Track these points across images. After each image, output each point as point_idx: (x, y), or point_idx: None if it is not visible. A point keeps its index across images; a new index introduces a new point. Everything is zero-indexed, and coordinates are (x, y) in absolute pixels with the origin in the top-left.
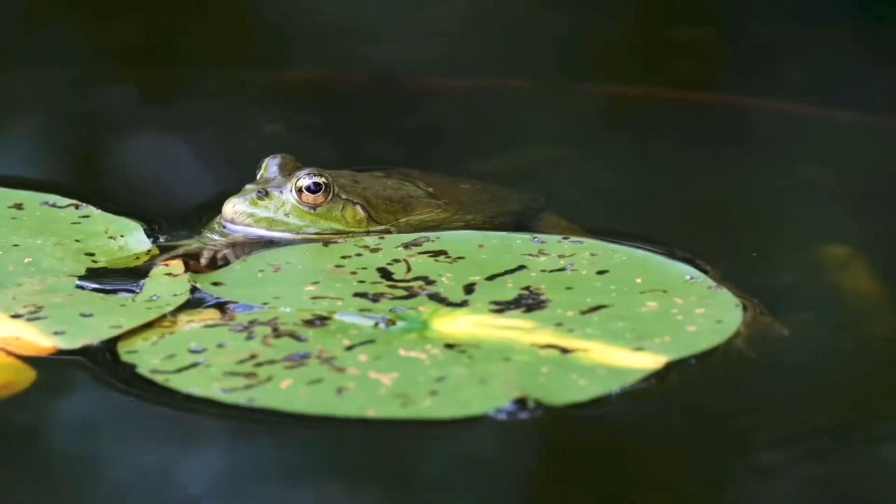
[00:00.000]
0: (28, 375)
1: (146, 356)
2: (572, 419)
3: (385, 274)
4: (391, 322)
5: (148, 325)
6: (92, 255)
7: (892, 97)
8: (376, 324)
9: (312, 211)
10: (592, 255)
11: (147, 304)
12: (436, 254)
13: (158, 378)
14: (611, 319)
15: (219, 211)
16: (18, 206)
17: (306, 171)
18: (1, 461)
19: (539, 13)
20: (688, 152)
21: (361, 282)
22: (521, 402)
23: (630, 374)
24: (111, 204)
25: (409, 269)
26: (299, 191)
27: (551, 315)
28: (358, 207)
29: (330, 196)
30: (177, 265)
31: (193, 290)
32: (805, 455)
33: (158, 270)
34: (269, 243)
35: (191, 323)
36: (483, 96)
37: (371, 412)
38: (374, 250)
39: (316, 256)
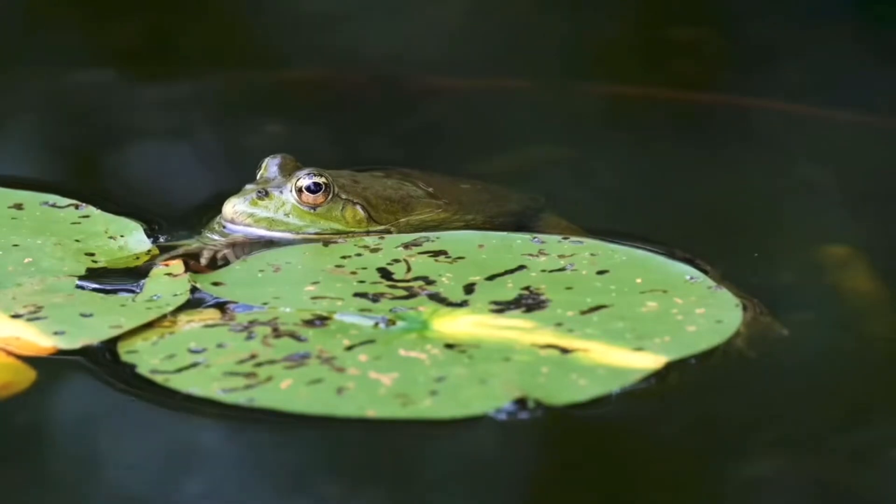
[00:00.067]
0: (28, 375)
1: (146, 356)
2: (572, 419)
3: (385, 274)
4: (391, 322)
5: (148, 325)
6: (92, 255)
7: (892, 97)
8: (376, 324)
9: (312, 211)
10: (592, 255)
11: (147, 304)
12: (436, 254)
13: (158, 378)
14: (611, 319)
15: (219, 211)
16: (18, 206)
17: (306, 171)
18: (1, 461)
19: (539, 13)
20: (688, 152)
21: (361, 282)
22: (521, 402)
23: (630, 374)
24: (111, 204)
25: (409, 269)
26: (299, 191)
27: (551, 315)
28: (358, 207)
29: (330, 196)
30: (177, 265)
31: (193, 290)
32: (805, 455)
33: (158, 270)
34: (269, 243)
35: (191, 323)
36: (483, 96)
37: (371, 412)
38: (374, 250)
39: (316, 256)
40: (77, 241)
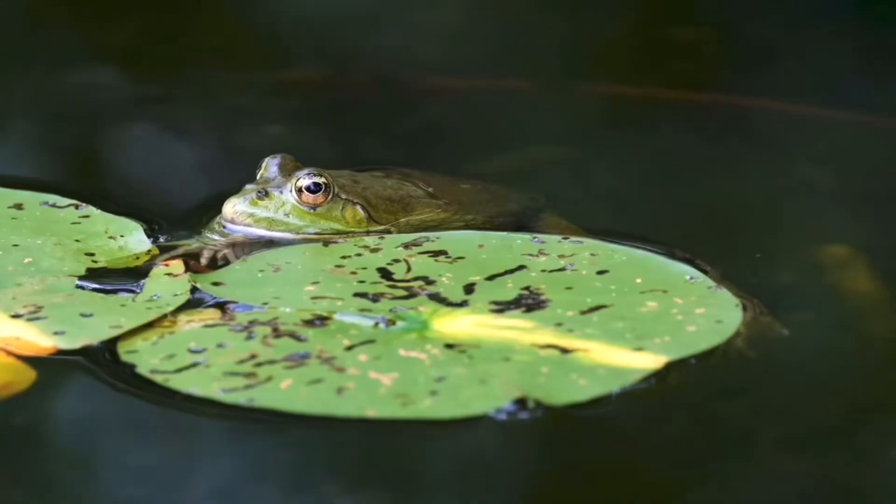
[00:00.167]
0: (28, 375)
1: (146, 356)
2: (572, 419)
3: (385, 274)
4: (391, 322)
5: (148, 325)
6: (92, 255)
7: (892, 97)
8: (376, 324)
9: (312, 211)
10: (592, 255)
11: (147, 304)
12: (436, 254)
13: (158, 378)
14: (611, 319)
15: (219, 211)
16: (18, 206)
17: (306, 171)
18: (1, 461)
19: (539, 13)
20: (688, 152)
21: (361, 282)
22: (521, 402)
23: (630, 374)
24: (111, 204)
25: (409, 269)
26: (299, 191)
27: (551, 315)
28: (358, 207)
29: (330, 196)
30: (177, 265)
31: (193, 290)
32: (805, 455)
33: (158, 270)
34: (269, 243)
35: (191, 323)
36: (483, 96)
37: (371, 412)
38: (374, 250)
39: (316, 256)
40: (77, 241)
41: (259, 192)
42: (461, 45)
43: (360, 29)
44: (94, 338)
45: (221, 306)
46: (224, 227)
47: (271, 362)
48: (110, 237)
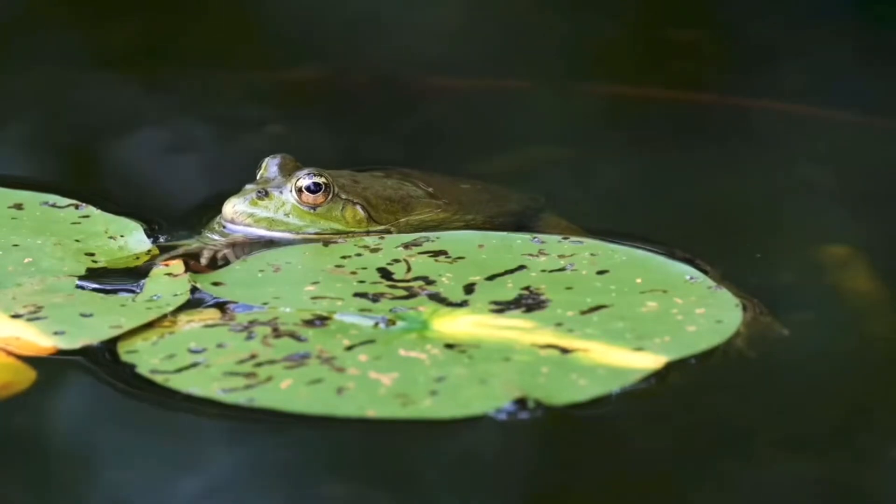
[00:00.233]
0: (28, 375)
1: (146, 356)
2: (572, 419)
3: (385, 274)
4: (391, 322)
5: (148, 325)
6: (92, 255)
7: (892, 97)
8: (376, 324)
9: (312, 211)
10: (592, 255)
11: (147, 304)
12: (436, 254)
13: (158, 378)
14: (611, 319)
15: (219, 211)
16: (18, 206)
17: (306, 171)
18: (1, 461)
19: (539, 13)
20: (688, 152)
21: (361, 282)
22: (521, 402)
23: (630, 374)
24: (111, 204)
25: (409, 269)
26: (299, 191)
27: (551, 315)
28: (358, 207)
29: (330, 196)
30: (177, 265)
31: (193, 290)
32: (805, 455)
33: (158, 270)
34: (269, 243)
35: (191, 323)
36: (483, 96)
37: (371, 412)
38: (374, 250)
39: (316, 256)
40: (77, 241)
41: (259, 192)
42: (461, 45)
43: (360, 29)
44: (94, 338)
45: (221, 306)
46: (224, 227)
47: (271, 362)
48: (110, 237)
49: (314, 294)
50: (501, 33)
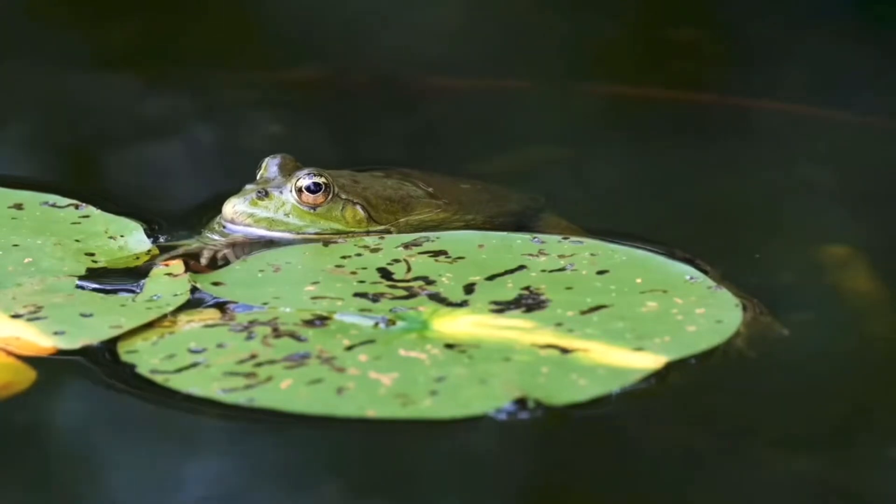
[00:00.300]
0: (28, 375)
1: (146, 356)
2: (572, 419)
3: (385, 274)
4: (391, 322)
5: (148, 325)
6: (92, 255)
7: (892, 97)
8: (376, 324)
9: (312, 211)
10: (592, 255)
11: (147, 304)
12: (436, 254)
13: (158, 378)
14: (611, 319)
15: (219, 211)
16: (18, 206)
17: (306, 171)
18: (1, 461)
19: (539, 13)
20: (688, 152)
21: (361, 282)
22: (521, 402)
23: (630, 374)
24: (111, 204)
25: (409, 269)
26: (299, 191)
27: (551, 315)
28: (358, 207)
29: (330, 196)
30: (177, 265)
31: (193, 290)
32: (805, 455)
33: (158, 270)
34: (269, 243)
35: (191, 323)
36: (483, 96)
37: (371, 412)
38: (374, 250)
39: (316, 256)
40: (77, 241)
41: (259, 192)
42: (461, 45)
43: (360, 29)
44: (94, 338)
45: (221, 306)
46: (224, 227)
47: (271, 362)
48: (110, 237)
49: (314, 294)
50: (501, 33)
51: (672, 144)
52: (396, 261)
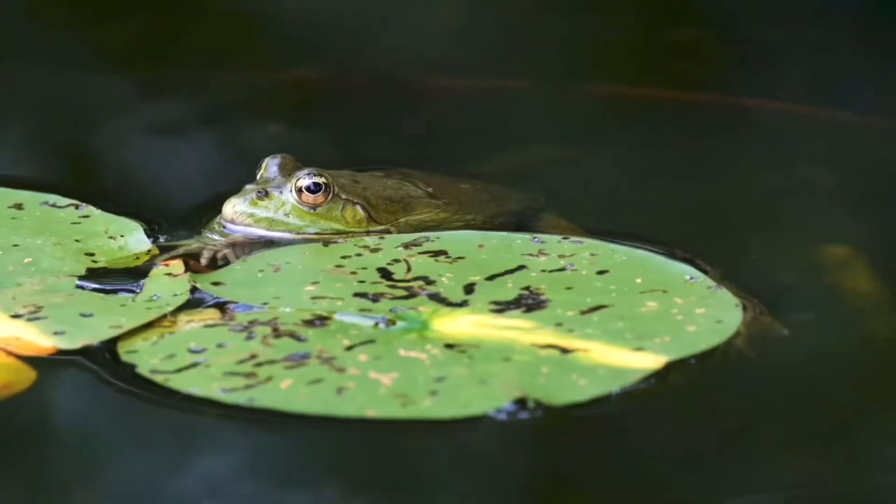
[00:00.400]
0: (28, 375)
1: (146, 356)
2: (572, 419)
3: (385, 274)
4: (391, 322)
5: (148, 325)
6: (92, 255)
7: (892, 97)
8: (376, 324)
9: (312, 211)
10: (592, 255)
11: (147, 304)
12: (436, 254)
13: (158, 378)
14: (611, 319)
15: (219, 211)
16: (18, 206)
17: (306, 171)
18: (1, 461)
19: (539, 13)
20: (688, 152)
21: (361, 282)
22: (521, 402)
23: (630, 374)
24: (111, 204)
25: (409, 269)
26: (299, 191)
27: (551, 315)
28: (358, 207)
29: (330, 196)
30: (177, 265)
31: (193, 290)
32: (805, 455)
33: (158, 270)
34: (269, 243)
35: (191, 323)
36: (483, 96)
37: (371, 412)
38: (374, 250)
39: (316, 256)
40: (77, 241)
41: (259, 192)
42: (461, 45)
43: (360, 29)
44: (94, 338)
45: (221, 306)
46: (224, 227)
47: (271, 362)
48: (110, 237)
49: (314, 294)
50: (501, 33)
51: (672, 144)
52: (396, 261)
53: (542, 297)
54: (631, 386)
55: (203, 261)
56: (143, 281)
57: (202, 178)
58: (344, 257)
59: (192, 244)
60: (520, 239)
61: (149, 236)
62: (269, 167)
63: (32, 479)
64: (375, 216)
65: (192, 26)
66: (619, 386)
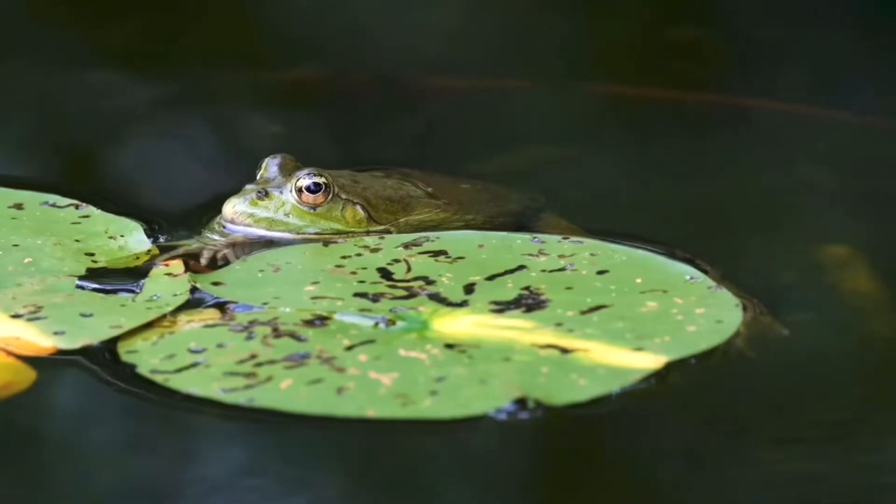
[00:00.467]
0: (28, 375)
1: (146, 356)
2: (572, 419)
3: (385, 274)
4: (391, 322)
5: (148, 325)
6: (92, 255)
7: (892, 97)
8: (376, 324)
9: (312, 211)
10: (592, 255)
11: (147, 304)
12: (436, 254)
13: (158, 378)
14: (611, 319)
15: (219, 211)
16: (18, 206)
17: (306, 171)
18: (1, 461)
19: (539, 13)
20: (688, 152)
21: (361, 282)
22: (521, 402)
23: (630, 374)
24: (111, 204)
25: (409, 269)
26: (299, 191)
27: (551, 315)
28: (358, 207)
29: (330, 196)
30: (177, 265)
31: (193, 290)
32: (805, 455)
33: (158, 270)
34: (269, 243)
35: (191, 323)
36: (483, 96)
37: (371, 412)
38: (374, 250)
39: (316, 256)
40: (77, 241)
41: (259, 192)
42: (461, 45)
43: (360, 29)
44: (94, 338)
45: (221, 306)
46: (224, 227)
47: (271, 362)
48: (110, 237)
49: (314, 294)
50: (501, 33)
51: (672, 144)
52: (396, 261)
53: (542, 297)
54: (631, 386)
55: (203, 261)
56: (143, 281)
57: (202, 178)
58: (344, 257)
59: (192, 244)
60: (520, 239)
61: (149, 236)
62: (269, 167)
63: (32, 479)
64: (375, 216)
65: (192, 26)
66: (619, 386)
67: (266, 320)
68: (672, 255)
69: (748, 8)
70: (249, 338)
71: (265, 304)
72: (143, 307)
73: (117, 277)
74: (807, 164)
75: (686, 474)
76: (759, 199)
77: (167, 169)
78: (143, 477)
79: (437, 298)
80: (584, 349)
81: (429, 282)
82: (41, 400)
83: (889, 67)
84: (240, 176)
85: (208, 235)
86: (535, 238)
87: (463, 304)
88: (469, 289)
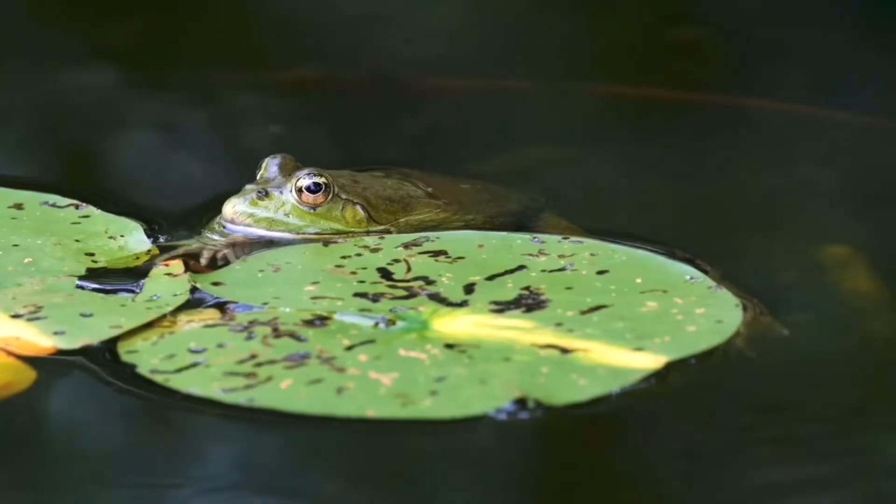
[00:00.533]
0: (28, 375)
1: (146, 356)
2: (572, 419)
3: (385, 274)
4: (391, 322)
5: (148, 325)
6: (92, 255)
7: (892, 97)
8: (376, 324)
9: (312, 211)
10: (592, 255)
11: (147, 304)
12: (436, 254)
13: (158, 378)
14: (611, 319)
15: (219, 211)
16: (18, 206)
17: (306, 171)
18: (1, 461)
19: (539, 13)
20: (688, 152)
21: (361, 282)
22: (521, 402)
23: (630, 374)
24: (111, 204)
25: (409, 269)
26: (299, 191)
27: (551, 315)
28: (358, 207)
29: (330, 196)
30: (177, 265)
31: (193, 290)
32: (805, 455)
33: (158, 270)
34: (269, 243)
35: (191, 323)
36: (483, 96)
37: (371, 412)
38: (374, 250)
39: (316, 256)
40: (77, 241)
41: (259, 192)
42: (461, 45)
43: (360, 29)
44: (94, 338)
45: (221, 306)
46: (224, 227)
47: (271, 362)
48: (110, 237)
49: (314, 294)
50: (501, 33)
51: (672, 144)
52: (396, 261)
53: (542, 297)
54: (631, 386)
55: (203, 261)
56: (143, 281)
57: (202, 178)
58: (344, 257)
59: (192, 244)
60: (520, 239)
61: (149, 236)
62: (269, 167)
63: (32, 479)
64: (375, 216)
65: (192, 26)
66: (619, 386)
67: (266, 320)
68: (672, 255)
69: (748, 8)
70: (249, 338)
71: (265, 304)
72: (143, 307)
73: (117, 277)
74: (807, 164)
75: (686, 474)
76: (759, 199)
77: (167, 169)
78: (143, 477)
79: (437, 298)
80: (584, 349)
81: (429, 282)
82: (41, 400)
83: (889, 67)
84: (240, 176)
85: (208, 235)
86: (535, 238)
87: (463, 304)
88: (469, 289)
